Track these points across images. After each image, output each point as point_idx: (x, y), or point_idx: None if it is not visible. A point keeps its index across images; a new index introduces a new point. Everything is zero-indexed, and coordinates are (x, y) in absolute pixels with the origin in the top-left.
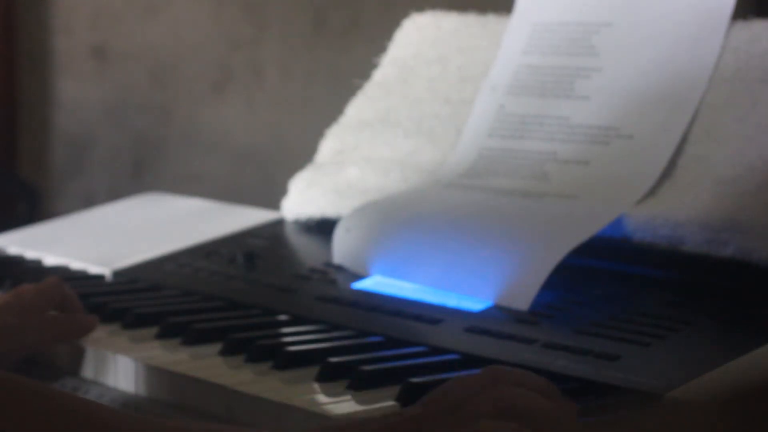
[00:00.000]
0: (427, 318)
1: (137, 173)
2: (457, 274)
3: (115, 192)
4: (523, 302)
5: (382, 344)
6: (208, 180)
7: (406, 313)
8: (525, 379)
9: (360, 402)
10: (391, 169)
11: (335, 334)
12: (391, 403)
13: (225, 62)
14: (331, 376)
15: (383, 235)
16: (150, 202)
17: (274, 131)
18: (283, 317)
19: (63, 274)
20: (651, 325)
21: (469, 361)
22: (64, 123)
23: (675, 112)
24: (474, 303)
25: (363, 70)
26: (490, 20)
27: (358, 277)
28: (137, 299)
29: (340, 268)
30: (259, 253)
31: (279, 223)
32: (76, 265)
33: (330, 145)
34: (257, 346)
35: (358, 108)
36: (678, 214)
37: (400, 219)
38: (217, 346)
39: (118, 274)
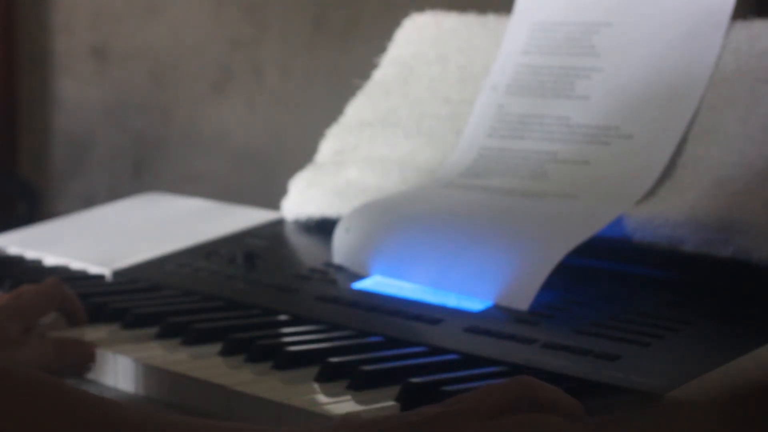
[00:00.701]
0: (427, 318)
1: (137, 173)
2: (457, 274)
3: (115, 192)
4: (523, 302)
5: (382, 344)
6: (208, 180)
7: (406, 313)
8: (556, 399)
9: (360, 402)
10: (391, 169)
11: (335, 334)
12: (391, 403)
13: (225, 62)
14: (331, 376)
15: (383, 235)
16: (150, 202)
17: (274, 131)
18: (283, 317)
19: (63, 274)
20: (651, 325)
21: (469, 361)
22: (64, 123)
23: (675, 112)
24: (474, 303)
25: (363, 70)
26: (490, 20)
27: (358, 277)
28: (137, 299)
29: (340, 268)
30: (259, 253)
31: (279, 223)
32: (76, 265)
33: (330, 145)
34: (257, 346)
35: (358, 108)
36: (678, 214)
37: (400, 219)
38: (217, 346)
39: (118, 274)
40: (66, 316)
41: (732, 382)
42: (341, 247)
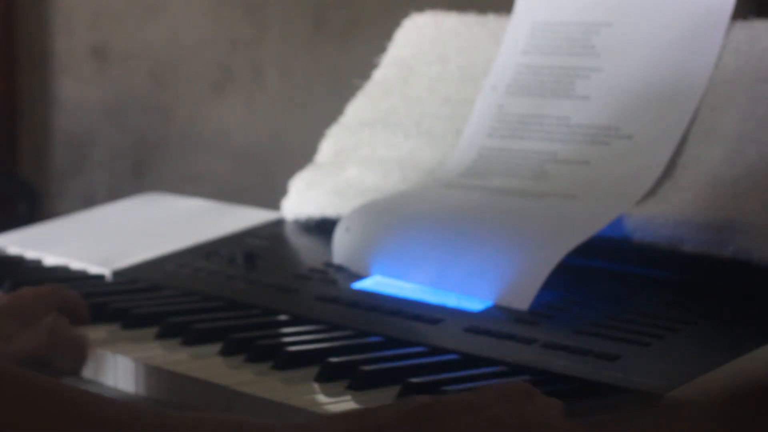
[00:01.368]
0: (427, 318)
1: (137, 173)
2: (457, 274)
3: (115, 192)
4: (523, 302)
5: (382, 344)
6: (208, 180)
7: (406, 313)
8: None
9: (360, 402)
10: (391, 169)
11: (335, 334)
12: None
13: (225, 62)
14: (331, 376)
15: (383, 235)
16: (150, 202)
17: (274, 131)
18: (283, 317)
19: (63, 274)
20: (651, 325)
21: (468, 361)
22: (64, 123)
23: (675, 112)
24: (474, 303)
25: (363, 70)
26: (490, 20)
27: (358, 277)
28: (137, 299)
29: (340, 268)
30: (259, 253)
31: (279, 223)
32: (76, 265)
33: (330, 145)
34: (257, 346)
35: (358, 108)
36: (678, 214)
37: (399, 219)
38: (217, 346)
39: (118, 274)
40: (68, 316)
41: (732, 382)
42: (341, 247)
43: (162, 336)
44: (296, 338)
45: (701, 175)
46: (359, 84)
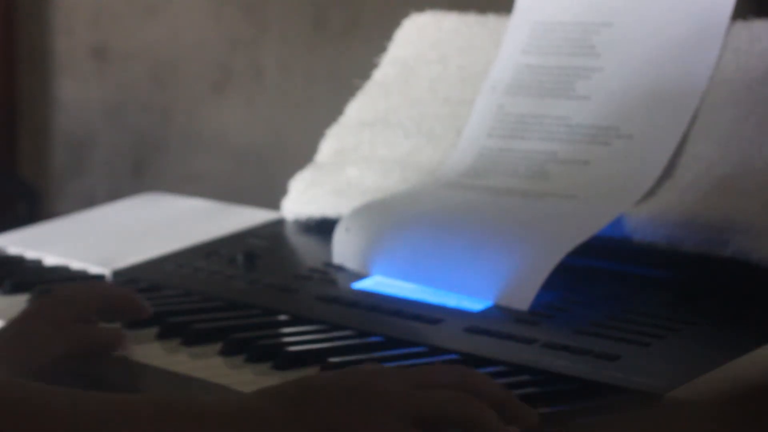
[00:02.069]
0: (427, 318)
1: (137, 173)
2: (457, 274)
3: (115, 192)
4: (523, 302)
5: (382, 344)
6: (208, 180)
7: (406, 313)
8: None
9: None
10: (391, 169)
11: (335, 334)
12: None
13: (225, 62)
14: None
15: (383, 235)
16: (150, 202)
17: (274, 131)
18: (283, 317)
19: (63, 274)
20: (651, 325)
21: (468, 361)
22: (64, 123)
23: (675, 112)
24: (474, 303)
25: (363, 70)
26: (491, 20)
27: (358, 277)
28: None
29: (340, 268)
30: (259, 253)
31: (279, 223)
32: (76, 265)
33: (330, 145)
34: (257, 346)
35: (358, 108)
36: (678, 214)
37: (400, 219)
38: (217, 346)
39: (118, 274)
40: (116, 313)
41: (732, 382)
42: (341, 247)
43: (162, 336)
44: (296, 338)
45: (701, 175)
46: (359, 84)
